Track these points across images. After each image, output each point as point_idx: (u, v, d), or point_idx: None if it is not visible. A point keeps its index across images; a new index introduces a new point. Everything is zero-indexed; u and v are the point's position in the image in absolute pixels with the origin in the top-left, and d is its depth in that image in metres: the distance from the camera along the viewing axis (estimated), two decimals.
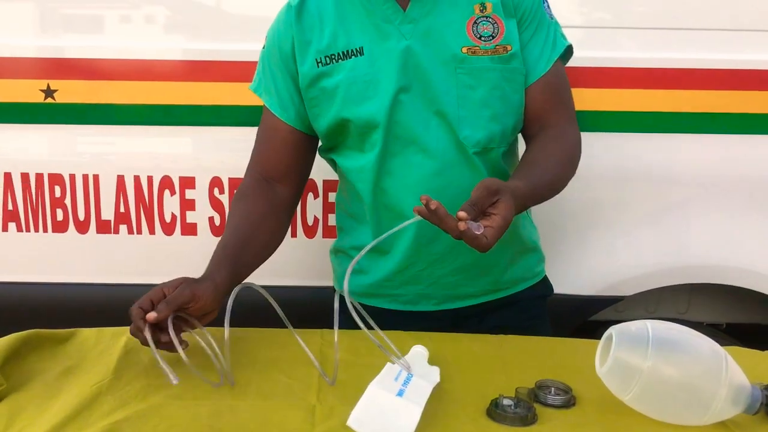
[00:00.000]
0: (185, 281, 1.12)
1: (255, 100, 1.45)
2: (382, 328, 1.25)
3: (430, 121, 1.24)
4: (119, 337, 1.18)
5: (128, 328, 1.19)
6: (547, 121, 1.30)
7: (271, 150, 1.35)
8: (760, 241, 1.85)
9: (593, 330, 1.86)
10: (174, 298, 1.07)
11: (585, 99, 1.57)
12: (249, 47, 1.70)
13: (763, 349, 1.25)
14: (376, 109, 1.23)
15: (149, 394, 1.01)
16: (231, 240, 1.25)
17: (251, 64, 1.70)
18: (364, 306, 1.36)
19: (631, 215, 1.84)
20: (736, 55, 1.76)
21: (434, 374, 1.07)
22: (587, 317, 1.87)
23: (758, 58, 1.76)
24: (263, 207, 1.31)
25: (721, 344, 0.99)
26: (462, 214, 0.99)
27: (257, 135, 1.38)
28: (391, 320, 1.29)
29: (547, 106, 1.30)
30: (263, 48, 1.34)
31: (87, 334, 1.20)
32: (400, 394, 0.96)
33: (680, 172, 1.83)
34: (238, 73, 1.73)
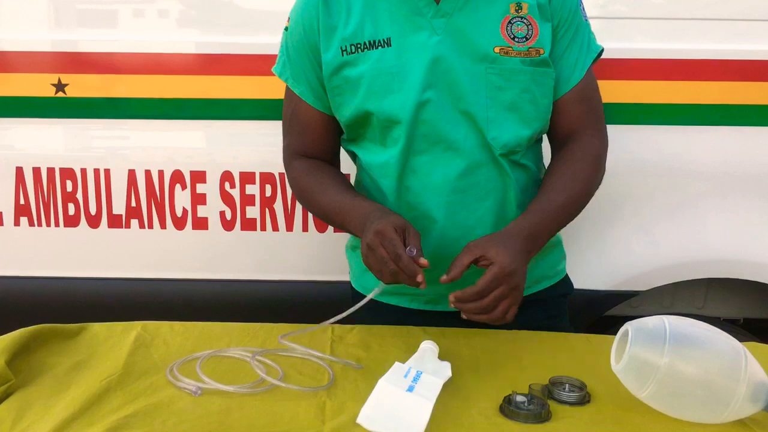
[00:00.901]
0: (399, 218, 1.12)
1: (268, 94, 1.43)
2: (406, 326, 1.24)
3: (458, 120, 1.20)
4: (129, 331, 1.18)
5: (138, 323, 1.20)
6: (576, 130, 1.27)
7: (311, 137, 1.32)
8: None
9: (609, 325, 1.84)
10: (416, 239, 1.10)
11: (601, 91, 1.55)
12: (261, 41, 1.70)
13: None
14: (401, 104, 1.19)
15: (158, 390, 1.00)
16: (348, 188, 1.28)
17: (263, 57, 1.70)
18: (384, 304, 1.35)
19: (647, 209, 1.81)
20: (756, 45, 1.73)
21: (445, 369, 1.05)
22: (603, 312, 1.85)
23: None
24: (336, 171, 1.34)
25: (739, 340, 0.97)
26: (451, 297, 1.07)
27: (289, 118, 1.33)
28: (411, 319, 1.27)
29: (580, 115, 1.28)
30: (286, 30, 1.28)
31: (97, 328, 1.19)
32: (410, 390, 0.94)
33: (696, 166, 1.80)
34: (250, 67, 1.72)
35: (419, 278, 1.05)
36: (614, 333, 1.00)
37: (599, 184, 1.28)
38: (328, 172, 1.30)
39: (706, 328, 0.96)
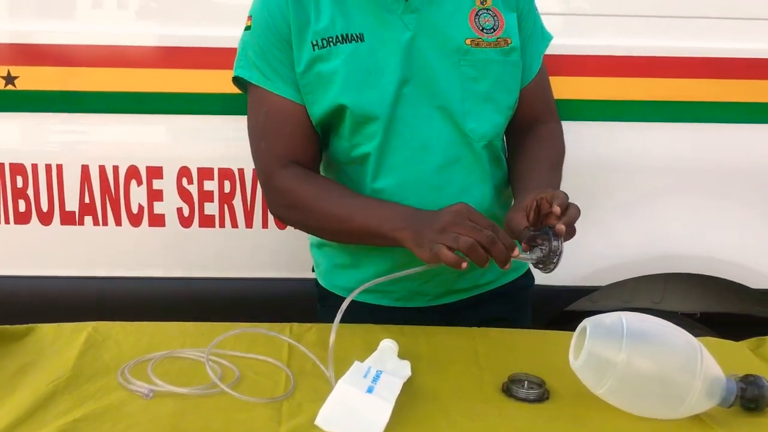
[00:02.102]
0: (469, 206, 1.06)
1: (227, 88, 1.36)
2: (366, 324, 1.21)
3: (433, 116, 1.20)
4: (80, 332, 1.13)
5: (89, 323, 1.16)
6: (537, 118, 1.32)
7: (299, 137, 1.22)
8: (734, 231, 1.85)
9: (569, 320, 1.84)
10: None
11: (561, 87, 1.56)
12: (221, 33, 1.66)
13: (736, 338, 1.24)
14: (378, 100, 1.18)
15: (109, 392, 0.97)
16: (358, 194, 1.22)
17: (222, 51, 1.66)
18: (353, 301, 1.32)
19: (607, 205, 1.83)
20: (713, 43, 1.75)
21: (405, 368, 1.04)
22: (563, 307, 1.86)
23: (735, 47, 1.75)
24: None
25: (695, 334, 0.98)
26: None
27: (264, 125, 1.22)
28: (382, 316, 1.25)
29: (539, 103, 1.32)
30: (249, 29, 1.21)
31: (45, 329, 1.15)
32: (370, 390, 0.93)
33: (655, 162, 1.82)
34: (209, 60, 1.68)
35: (516, 252, 1.01)
36: (575, 328, 1.00)
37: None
38: (327, 179, 1.25)
39: (662, 324, 0.97)
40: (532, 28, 1.28)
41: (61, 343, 1.11)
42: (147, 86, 1.70)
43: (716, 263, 1.84)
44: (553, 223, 1.01)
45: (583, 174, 1.77)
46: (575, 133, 1.62)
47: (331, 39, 1.17)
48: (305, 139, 1.23)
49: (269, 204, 1.27)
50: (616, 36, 1.76)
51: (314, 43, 1.17)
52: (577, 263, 1.82)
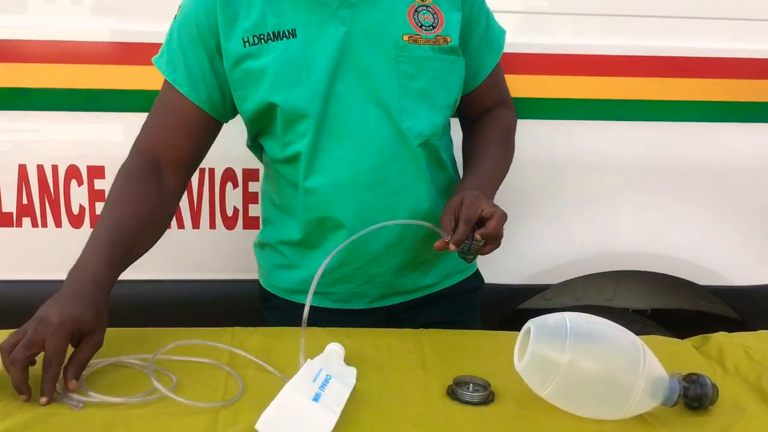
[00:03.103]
0: (66, 330, 0.97)
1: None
2: (310, 327, 1.19)
3: (368, 113, 1.17)
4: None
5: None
6: (489, 110, 1.36)
7: (171, 131, 1.20)
8: (684, 229, 1.86)
9: (522, 318, 1.83)
10: (81, 360, 0.97)
11: (516, 86, 1.55)
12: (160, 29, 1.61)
13: (685, 334, 1.25)
14: (309, 97, 1.15)
15: (36, 403, 0.92)
16: (117, 232, 1.12)
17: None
18: (292, 303, 1.30)
19: (558, 203, 1.83)
20: (667, 42, 1.76)
21: (351, 376, 1.01)
22: (515, 306, 1.86)
23: (689, 46, 1.76)
24: (155, 198, 1.16)
25: (646, 330, 0.98)
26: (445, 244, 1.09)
27: (153, 111, 1.22)
28: (321, 318, 1.22)
29: (494, 97, 1.35)
30: (176, 18, 1.20)
31: None
32: (317, 398, 0.90)
33: (608, 160, 1.82)
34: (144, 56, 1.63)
35: (23, 397, 0.92)
36: None
37: (514, 148, 1.37)
38: (145, 190, 1.16)
39: (606, 324, 0.96)
40: (485, 27, 1.27)
41: None
42: (88, 83, 1.64)
43: (666, 261, 1.86)
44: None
45: (537, 172, 1.77)
46: (529, 132, 1.62)
47: (262, 36, 1.14)
48: (183, 138, 1.21)
49: None
50: (571, 35, 1.76)
51: (245, 39, 1.14)
52: (530, 261, 1.83)
